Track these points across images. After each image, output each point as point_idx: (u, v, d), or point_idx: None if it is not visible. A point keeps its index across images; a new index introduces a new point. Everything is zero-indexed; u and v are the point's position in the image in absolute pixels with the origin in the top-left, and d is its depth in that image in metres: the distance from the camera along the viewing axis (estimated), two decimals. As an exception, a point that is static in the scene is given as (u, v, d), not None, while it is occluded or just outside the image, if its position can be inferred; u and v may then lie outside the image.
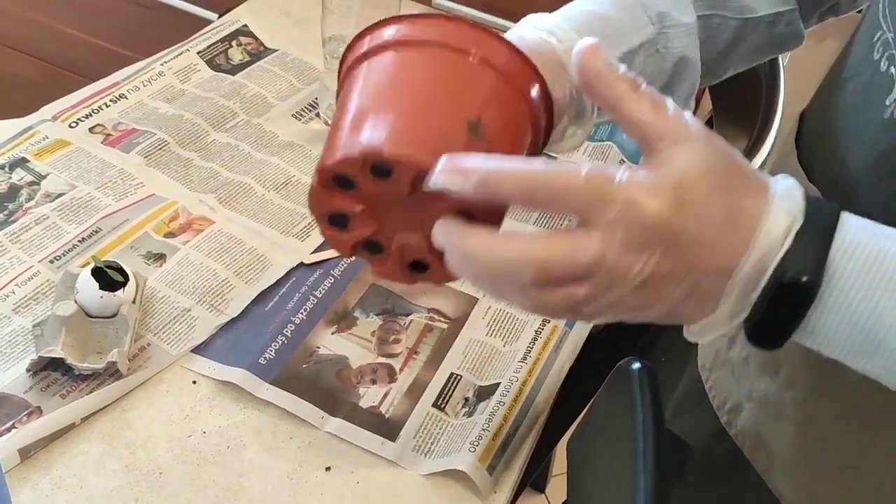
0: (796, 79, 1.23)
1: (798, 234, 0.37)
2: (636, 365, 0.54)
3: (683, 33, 0.55)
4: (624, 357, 0.79)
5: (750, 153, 0.83)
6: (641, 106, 0.39)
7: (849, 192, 0.48)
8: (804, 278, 0.36)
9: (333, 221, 0.42)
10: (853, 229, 0.37)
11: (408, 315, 0.78)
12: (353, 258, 0.48)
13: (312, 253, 0.82)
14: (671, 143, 0.38)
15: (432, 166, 0.38)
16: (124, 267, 0.70)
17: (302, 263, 0.80)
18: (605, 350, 0.77)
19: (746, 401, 0.57)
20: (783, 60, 0.90)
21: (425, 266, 0.44)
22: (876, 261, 0.36)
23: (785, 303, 0.37)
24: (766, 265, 0.37)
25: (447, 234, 0.40)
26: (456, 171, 0.38)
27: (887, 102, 0.46)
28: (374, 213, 0.42)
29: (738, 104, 0.93)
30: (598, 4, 0.53)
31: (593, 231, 0.37)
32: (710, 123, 1.00)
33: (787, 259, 0.37)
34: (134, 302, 0.70)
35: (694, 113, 1.19)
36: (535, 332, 0.77)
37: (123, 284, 0.69)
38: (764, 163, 0.76)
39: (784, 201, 0.38)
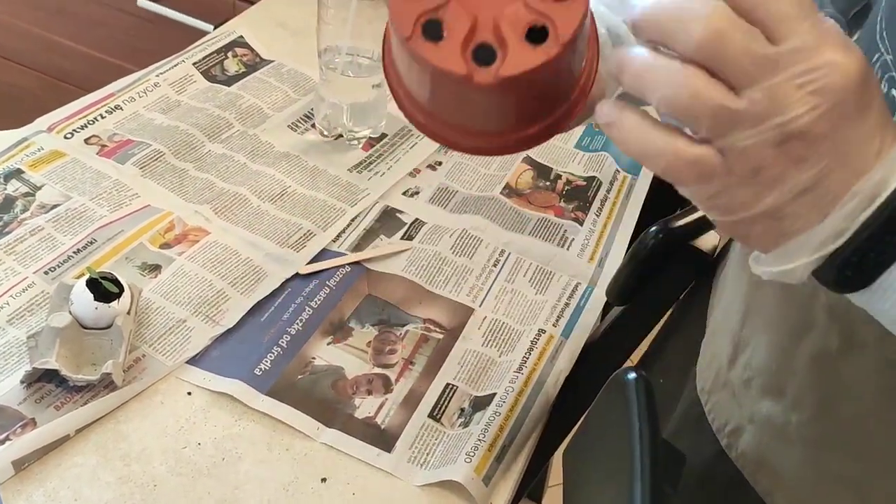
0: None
1: None
2: (632, 375, 0.54)
3: None
4: (621, 366, 0.79)
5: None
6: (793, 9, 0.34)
7: None
8: None
9: (429, 35, 0.38)
10: None
11: (403, 326, 0.78)
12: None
13: (308, 264, 0.82)
14: (822, 39, 0.34)
15: None
16: (119, 278, 0.70)
17: (297, 274, 0.80)
18: (601, 361, 0.77)
19: (748, 423, 0.57)
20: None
21: (544, 29, 0.38)
22: None
23: (890, 230, 0.34)
24: (892, 188, 0.34)
25: None
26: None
27: None
28: (463, 3, 0.38)
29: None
30: None
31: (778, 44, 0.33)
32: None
33: None
34: (129, 313, 0.69)
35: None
36: (531, 342, 0.77)
37: (118, 296, 0.68)
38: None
39: None
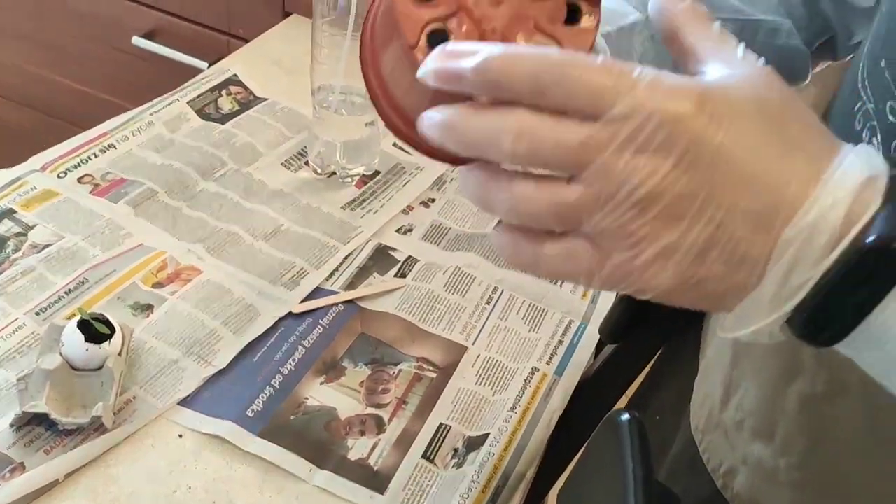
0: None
1: (886, 190, 0.29)
2: (625, 416, 0.54)
3: None
4: (614, 404, 0.78)
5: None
6: (698, 33, 0.34)
7: None
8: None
9: (434, 45, 0.36)
10: None
11: (396, 364, 0.77)
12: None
13: (301, 302, 0.81)
14: (725, 66, 0.32)
15: None
16: (110, 319, 0.69)
17: (291, 313, 0.80)
18: (594, 400, 0.77)
19: (741, 465, 0.57)
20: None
21: None
22: None
23: (865, 272, 0.28)
24: (827, 226, 0.29)
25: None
26: (453, 55, 0.32)
27: None
28: (471, 17, 0.37)
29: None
30: None
31: (597, 120, 0.30)
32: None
33: (874, 219, 0.28)
34: (120, 354, 0.69)
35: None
36: (525, 380, 0.77)
37: (109, 337, 0.68)
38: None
39: (860, 156, 0.30)
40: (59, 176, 0.90)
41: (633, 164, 0.30)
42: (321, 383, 0.74)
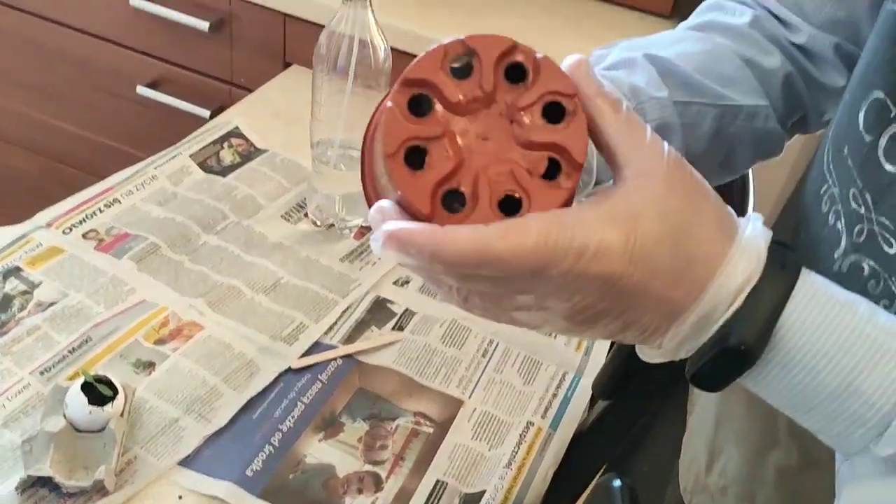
0: (762, 177, 1.26)
1: (749, 295, 0.36)
2: (617, 482, 0.55)
3: (658, 106, 0.56)
4: (608, 458, 0.80)
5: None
6: (617, 127, 0.38)
7: None
8: (745, 346, 0.36)
9: (410, 160, 0.38)
10: (807, 296, 0.37)
11: (394, 419, 0.79)
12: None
13: (300, 357, 0.83)
14: (636, 175, 0.37)
15: (515, 46, 0.38)
16: (113, 380, 0.71)
17: (290, 368, 0.82)
18: (589, 455, 0.78)
19: None
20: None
21: (518, 202, 0.38)
22: (823, 334, 0.36)
23: (726, 359, 0.37)
24: (713, 320, 0.37)
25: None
26: (400, 244, 0.36)
27: (836, 256, 0.47)
28: (454, 145, 0.38)
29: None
30: None
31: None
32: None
33: (733, 322, 0.36)
34: (122, 415, 0.71)
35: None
36: (520, 435, 0.78)
37: (112, 398, 0.70)
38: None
39: (743, 258, 0.36)
40: (64, 232, 0.92)
41: (560, 297, 0.37)
42: (320, 440, 0.76)
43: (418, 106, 0.38)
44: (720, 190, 0.93)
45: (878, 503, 0.38)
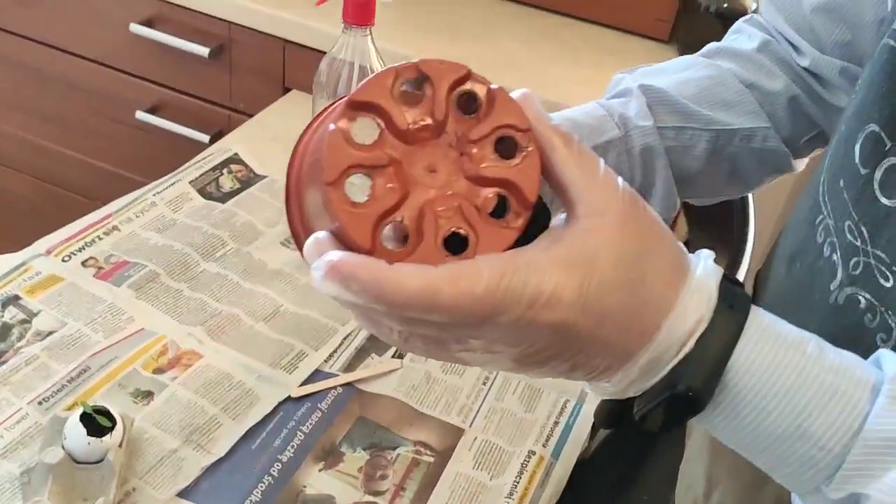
0: (761, 201, 1.27)
1: (699, 339, 0.36)
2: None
3: (641, 133, 0.59)
4: (607, 487, 0.79)
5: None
6: (570, 162, 0.36)
7: None
8: (692, 392, 0.36)
9: (352, 189, 0.35)
10: (755, 337, 0.36)
11: (394, 449, 0.78)
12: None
13: (300, 386, 0.82)
14: (589, 214, 0.36)
15: (470, 74, 0.36)
16: (112, 410, 0.71)
17: (290, 397, 0.81)
18: (590, 483, 0.78)
19: None
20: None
21: (465, 240, 0.36)
22: (772, 376, 0.36)
23: (674, 404, 0.37)
24: (663, 363, 0.36)
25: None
26: (343, 279, 0.33)
27: (832, 287, 0.47)
28: (400, 175, 0.35)
29: (713, 229, 0.96)
30: (571, 111, 0.58)
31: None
32: (686, 245, 1.03)
33: (682, 366, 0.36)
34: (121, 446, 0.70)
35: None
36: (522, 465, 0.78)
37: (111, 429, 0.69)
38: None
39: (693, 300, 0.36)
40: (63, 260, 0.92)
41: (508, 344, 0.36)
42: (320, 470, 0.75)
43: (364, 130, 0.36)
44: (723, 211, 0.93)
45: None
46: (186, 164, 1.10)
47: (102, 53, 1.45)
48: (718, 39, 1.34)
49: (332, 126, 0.35)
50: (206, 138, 1.41)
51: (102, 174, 1.56)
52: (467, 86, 0.36)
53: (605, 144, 0.57)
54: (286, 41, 1.30)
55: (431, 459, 0.78)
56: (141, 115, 1.44)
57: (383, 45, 0.92)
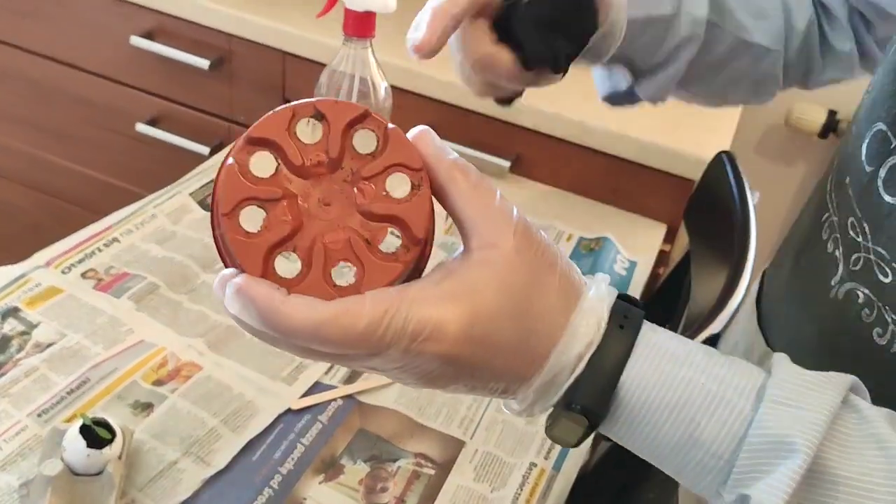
0: (768, 204, 1.27)
1: (589, 360, 0.38)
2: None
3: (691, 22, 0.64)
4: (609, 499, 0.79)
5: (730, 287, 0.85)
6: (465, 196, 0.38)
7: (799, 363, 0.49)
8: (585, 411, 0.38)
9: (247, 220, 0.37)
10: (644, 354, 0.38)
11: (395, 461, 0.78)
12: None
13: (300, 398, 0.82)
14: (481, 247, 0.37)
15: (367, 114, 0.38)
16: (111, 422, 0.70)
17: (290, 409, 0.81)
18: (590, 495, 0.77)
19: None
20: (753, 199, 0.93)
21: (352, 273, 0.38)
22: (661, 390, 0.37)
23: (571, 422, 0.38)
24: (558, 385, 0.38)
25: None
26: (244, 302, 0.36)
27: (832, 283, 0.47)
28: (294, 208, 0.37)
29: (714, 240, 0.96)
30: None
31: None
32: (687, 259, 1.03)
33: (575, 387, 0.38)
34: (120, 458, 0.70)
35: (671, 247, 1.22)
36: (523, 477, 0.77)
37: (110, 441, 0.69)
38: (737, 308, 0.78)
39: (583, 324, 0.38)
40: (63, 272, 0.92)
41: (407, 369, 0.37)
42: (320, 482, 0.75)
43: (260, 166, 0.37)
44: (724, 223, 0.92)
45: None
46: (186, 176, 1.10)
47: (103, 66, 1.46)
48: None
49: (230, 160, 0.37)
50: (206, 150, 1.42)
51: (102, 186, 1.56)
52: (363, 125, 0.38)
53: (656, 18, 0.62)
54: (286, 53, 1.31)
55: (432, 472, 0.77)
56: (141, 127, 1.44)
57: (384, 57, 0.92)
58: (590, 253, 1.11)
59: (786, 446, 0.35)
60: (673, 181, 1.19)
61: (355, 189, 0.38)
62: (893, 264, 0.43)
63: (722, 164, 1.00)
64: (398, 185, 0.38)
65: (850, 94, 0.70)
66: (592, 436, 0.40)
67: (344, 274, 0.37)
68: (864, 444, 0.36)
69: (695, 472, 0.38)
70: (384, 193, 0.38)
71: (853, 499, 0.35)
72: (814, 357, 0.47)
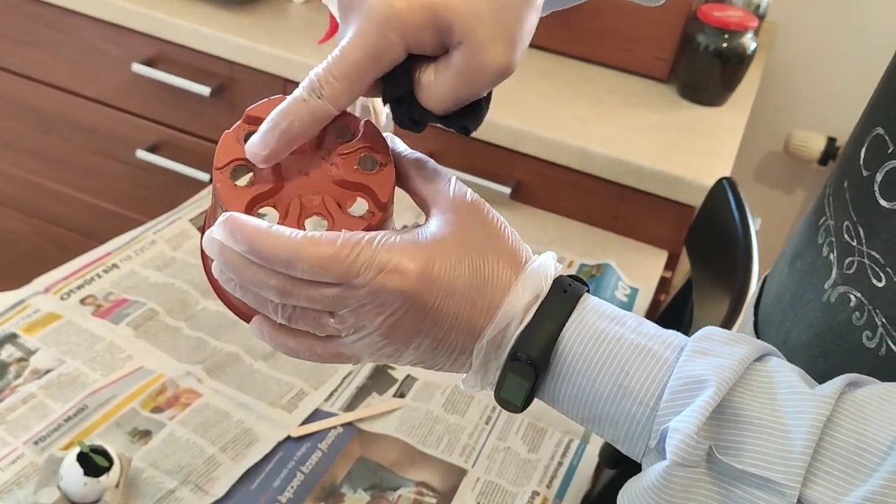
0: (768, 231, 1.27)
1: (535, 314, 0.41)
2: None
3: None
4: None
5: (732, 313, 0.85)
6: (426, 176, 0.44)
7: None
8: (530, 360, 0.41)
9: (235, 176, 0.43)
10: (582, 313, 0.42)
11: (396, 490, 0.77)
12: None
13: (300, 425, 0.81)
14: (440, 212, 0.42)
15: (345, 113, 0.44)
16: (109, 450, 0.69)
17: (289, 437, 0.80)
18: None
19: None
20: (755, 225, 0.93)
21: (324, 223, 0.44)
22: (595, 343, 0.41)
23: (516, 374, 0.41)
24: (507, 337, 0.41)
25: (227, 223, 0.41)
26: (232, 227, 0.40)
27: (826, 287, 0.48)
28: (277, 172, 0.43)
29: (716, 266, 0.95)
30: None
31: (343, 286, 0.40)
32: (688, 286, 1.02)
33: (522, 338, 0.41)
34: (117, 486, 0.69)
35: (672, 274, 1.22)
36: (525, 506, 0.76)
37: (108, 469, 0.68)
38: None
39: (530, 280, 0.42)
40: (62, 298, 0.91)
41: (372, 313, 0.40)
42: (320, 511, 0.74)
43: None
44: (727, 250, 0.92)
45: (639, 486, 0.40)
46: (186, 203, 1.10)
47: (104, 93, 1.46)
48: (717, 78, 1.35)
49: (228, 131, 0.44)
50: (206, 177, 1.41)
51: (102, 213, 1.56)
52: (343, 120, 0.44)
53: None
54: (287, 80, 1.31)
55: (434, 500, 0.76)
56: (142, 153, 1.44)
57: (385, 83, 0.92)
58: (591, 279, 1.11)
59: (700, 384, 0.38)
60: (674, 207, 1.19)
61: (331, 165, 0.44)
62: (887, 269, 0.44)
63: (723, 191, 1.00)
64: (368, 162, 0.44)
65: (849, 121, 0.69)
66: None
67: (316, 225, 0.42)
68: (775, 390, 0.38)
69: (626, 427, 0.40)
70: (355, 168, 0.44)
71: (763, 438, 0.37)
72: (805, 359, 0.47)
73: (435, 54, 0.42)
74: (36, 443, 0.74)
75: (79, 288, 0.93)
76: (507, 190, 1.24)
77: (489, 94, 0.44)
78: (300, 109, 0.42)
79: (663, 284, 1.20)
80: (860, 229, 0.46)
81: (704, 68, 1.31)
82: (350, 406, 0.85)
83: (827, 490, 0.36)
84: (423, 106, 0.43)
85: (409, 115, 0.44)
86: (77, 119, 1.50)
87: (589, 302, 0.42)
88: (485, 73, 0.41)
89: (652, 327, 0.42)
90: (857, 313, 0.45)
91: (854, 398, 0.38)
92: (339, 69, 0.42)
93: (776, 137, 1.62)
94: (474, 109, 0.44)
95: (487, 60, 0.41)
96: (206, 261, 0.45)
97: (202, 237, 0.43)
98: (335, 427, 0.82)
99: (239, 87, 1.36)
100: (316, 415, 0.83)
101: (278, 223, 0.41)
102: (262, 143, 0.42)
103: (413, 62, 0.42)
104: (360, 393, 0.86)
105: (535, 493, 0.78)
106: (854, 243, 0.46)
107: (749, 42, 1.30)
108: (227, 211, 0.42)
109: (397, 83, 0.43)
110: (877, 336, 0.44)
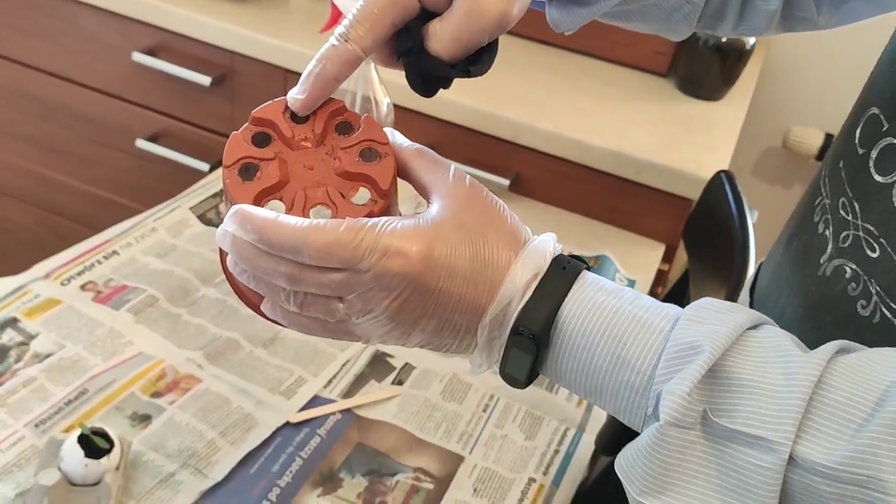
0: (765, 225, 1.27)
1: (535, 290, 0.42)
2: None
3: None
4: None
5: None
6: (425, 166, 0.46)
7: None
8: (531, 334, 0.42)
9: (243, 173, 0.45)
10: (581, 288, 0.43)
11: (394, 475, 0.77)
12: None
13: (299, 411, 0.82)
14: (440, 198, 0.44)
15: (344, 108, 0.47)
16: (109, 432, 0.70)
17: (288, 423, 0.80)
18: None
19: None
20: (752, 218, 0.93)
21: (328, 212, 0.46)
22: (594, 317, 0.42)
23: (519, 348, 0.42)
24: (509, 314, 0.42)
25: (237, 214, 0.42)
26: (242, 219, 0.42)
27: (821, 261, 0.49)
28: (282, 167, 0.45)
29: (712, 259, 0.96)
30: None
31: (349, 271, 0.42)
32: (685, 278, 1.03)
33: (523, 313, 0.42)
34: (118, 468, 0.69)
35: (669, 267, 1.22)
36: (522, 492, 0.77)
37: (108, 451, 0.68)
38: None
39: (529, 259, 0.43)
40: (62, 283, 0.92)
41: (378, 297, 0.42)
42: (318, 496, 0.74)
43: (261, 139, 0.46)
44: (723, 242, 0.92)
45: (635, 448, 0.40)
46: (187, 191, 1.11)
47: (104, 82, 1.46)
48: (716, 73, 1.35)
49: (236, 132, 0.47)
50: (206, 167, 1.42)
51: (102, 203, 1.56)
52: (343, 115, 0.47)
53: None
54: (288, 70, 1.31)
55: (431, 486, 0.77)
56: (142, 143, 1.45)
57: (386, 75, 0.93)
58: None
59: (694, 349, 0.39)
60: (671, 200, 1.20)
61: (334, 159, 0.46)
62: (881, 239, 0.45)
63: (721, 184, 1.01)
64: (369, 154, 0.46)
65: (848, 117, 0.70)
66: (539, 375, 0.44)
67: (321, 214, 0.44)
68: (768, 354, 0.39)
69: (626, 397, 0.41)
70: (357, 160, 0.46)
71: (755, 399, 0.38)
72: (799, 331, 0.48)
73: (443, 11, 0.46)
74: (36, 425, 0.75)
75: (79, 274, 0.94)
76: (506, 182, 1.24)
77: (494, 50, 0.47)
78: (330, 54, 0.45)
79: (660, 277, 1.21)
80: (855, 204, 0.47)
81: (704, 63, 1.32)
82: (349, 393, 0.85)
83: (818, 446, 0.37)
84: (431, 57, 0.46)
85: (420, 71, 0.47)
86: (77, 108, 1.51)
87: (588, 278, 0.43)
88: (484, 15, 0.44)
89: (649, 300, 0.43)
90: (852, 284, 0.46)
91: (845, 360, 0.39)
92: (362, 13, 0.45)
93: (775, 133, 1.63)
94: (479, 56, 0.47)
95: (487, 3, 0.44)
96: (222, 257, 0.47)
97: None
98: (333, 413, 0.82)
99: (239, 77, 1.36)
100: (315, 401, 0.84)
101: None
102: (300, 89, 0.45)
103: (425, 21, 0.46)
104: (359, 380, 0.87)
105: (531, 480, 0.78)
106: (849, 217, 0.47)
107: (748, 37, 1.30)
108: (235, 202, 0.43)
109: (410, 35, 0.46)
110: (871, 304, 0.45)
